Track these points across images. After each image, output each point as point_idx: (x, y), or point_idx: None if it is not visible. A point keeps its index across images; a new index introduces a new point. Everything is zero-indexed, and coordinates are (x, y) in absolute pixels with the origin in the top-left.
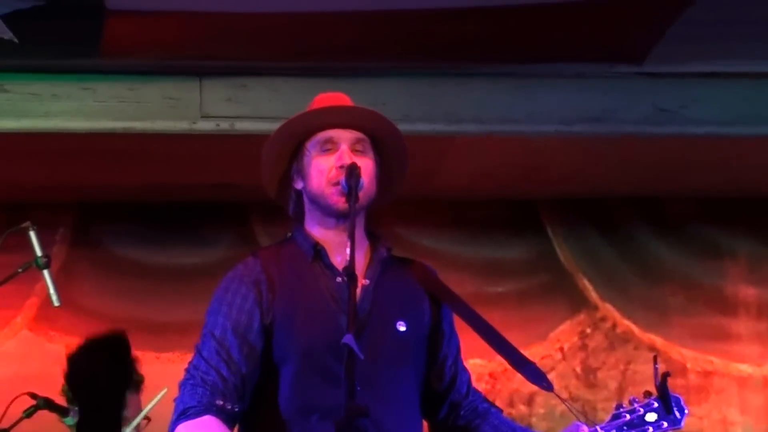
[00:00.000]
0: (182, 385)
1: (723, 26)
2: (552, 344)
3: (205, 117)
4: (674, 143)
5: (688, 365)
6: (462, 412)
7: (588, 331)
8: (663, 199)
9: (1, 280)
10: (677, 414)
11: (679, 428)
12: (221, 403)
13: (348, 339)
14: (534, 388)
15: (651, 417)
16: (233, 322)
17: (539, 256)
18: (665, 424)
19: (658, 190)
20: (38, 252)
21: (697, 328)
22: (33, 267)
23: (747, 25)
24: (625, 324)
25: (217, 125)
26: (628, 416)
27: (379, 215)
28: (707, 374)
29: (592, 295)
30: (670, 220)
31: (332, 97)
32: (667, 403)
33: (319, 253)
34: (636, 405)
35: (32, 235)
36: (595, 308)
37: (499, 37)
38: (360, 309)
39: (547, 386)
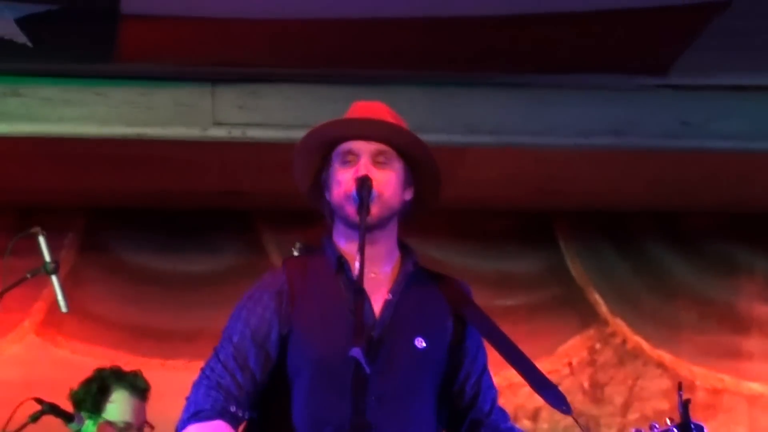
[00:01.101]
0: (196, 386)
1: (750, 37)
2: (560, 359)
3: (217, 124)
4: (696, 158)
5: (698, 382)
6: (483, 430)
7: (597, 346)
8: (680, 213)
9: (10, 284)
10: None
11: None
12: (234, 409)
13: (355, 352)
14: (539, 403)
15: None
16: (252, 329)
17: (550, 270)
18: None
19: (675, 204)
20: (47, 257)
21: (708, 345)
22: (41, 272)
23: None
24: (635, 340)
25: (229, 132)
26: None
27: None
28: (717, 392)
29: (603, 309)
30: (687, 235)
31: (365, 106)
32: (687, 431)
33: (342, 266)
34: (656, 430)
35: (41, 240)
36: (606, 323)
37: (519, 47)
38: (380, 323)
39: (567, 410)
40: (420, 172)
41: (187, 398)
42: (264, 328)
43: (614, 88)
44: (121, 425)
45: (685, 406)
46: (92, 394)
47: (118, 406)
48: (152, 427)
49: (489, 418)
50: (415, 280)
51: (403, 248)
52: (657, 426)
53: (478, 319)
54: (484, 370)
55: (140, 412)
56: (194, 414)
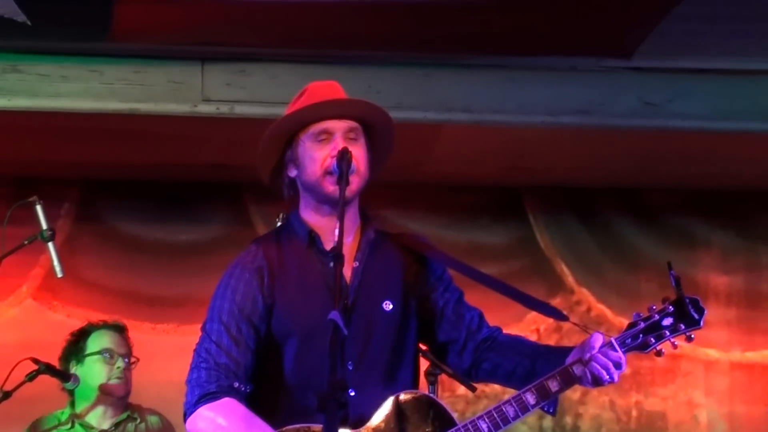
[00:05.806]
0: (195, 368)
1: (710, 23)
2: (528, 325)
3: (206, 100)
4: (658, 136)
5: None
6: (483, 349)
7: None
8: (642, 189)
9: (8, 251)
10: (695, 315)
11: (698, 328)
12: (237, 384)
13: (334, 315)
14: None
15: (667, 321)
16: (239, 306)
17: (520, 242)
18: (682, 326)
19: (638, 180)
20: (44, 225)
21: None
22: (38, 239)
23: (732, 22)
24: (599, 308)
25: (217, 108)
26: (643, 324)
27: (368, 197)
28: (675, 357)
29: (569, 279)
30: (648, 210)
31: (325, 86)
32: (682, 307)
33: (313, 240)
34: (652, 312)
35: (38, 209)
36: (571, 292)
37: (492, 30)
38: (350, 291)
39: (562, 317)
40: (376, 146)
41: (188, 381)
42: (249, 303)
43: (581, 70)
44: (104, 352)
45: (677, 282)
46: (73, 340)
47: (96, 338)
48: (137, 359)
49: (480, 333)
50: (376, 245)
51: (363, 216)
52: (654, 307)
53: (444, 259)
54: (461, 297)
55: (122, 343)
56: (202, 396)
